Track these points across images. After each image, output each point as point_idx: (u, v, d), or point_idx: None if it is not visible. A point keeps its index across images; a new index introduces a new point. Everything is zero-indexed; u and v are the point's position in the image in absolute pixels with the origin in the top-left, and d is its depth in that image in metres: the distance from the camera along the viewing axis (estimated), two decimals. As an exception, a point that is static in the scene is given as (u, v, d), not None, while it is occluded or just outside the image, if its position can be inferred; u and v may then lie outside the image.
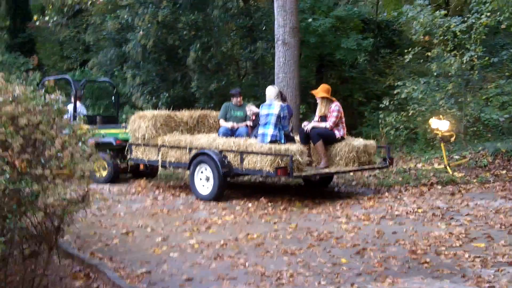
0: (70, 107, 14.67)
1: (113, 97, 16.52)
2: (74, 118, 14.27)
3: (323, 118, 11.75)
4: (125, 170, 14.11)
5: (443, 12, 16.48)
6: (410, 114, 16.87)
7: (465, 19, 15.58)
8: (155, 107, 19.77)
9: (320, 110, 11.89)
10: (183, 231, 8.85)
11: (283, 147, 10.63)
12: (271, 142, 10.82)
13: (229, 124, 12.45)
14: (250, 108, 12.45)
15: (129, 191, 12.67)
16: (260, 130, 11.14)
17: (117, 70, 22.47)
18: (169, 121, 12.62)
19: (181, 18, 19.91)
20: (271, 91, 11.40)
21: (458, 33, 15.46)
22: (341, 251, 7.63)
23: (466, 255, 7.19)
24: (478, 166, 13.97)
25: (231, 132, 12.23)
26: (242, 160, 10.91)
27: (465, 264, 6.86)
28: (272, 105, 11.20)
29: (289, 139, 11.17)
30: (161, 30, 20.04)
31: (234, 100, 12.76)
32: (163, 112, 12.92)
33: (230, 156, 11.15)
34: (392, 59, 23.05)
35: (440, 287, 6.13)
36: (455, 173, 13.08)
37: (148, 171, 14.13)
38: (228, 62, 21.53)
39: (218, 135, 12.18)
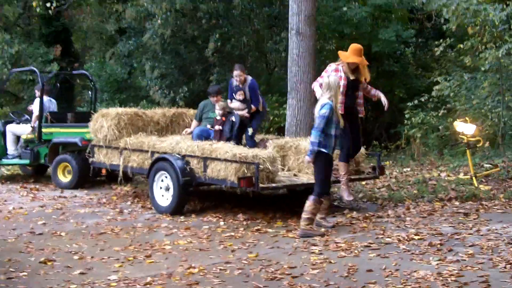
0: (36, 103, 13.33)
1: (89, 91, 15.14)
2: (41, 115, 12.96)
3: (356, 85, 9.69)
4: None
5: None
6: (440, 114, 14.91)
7: (504, 6, 13.45)
8: (172, 102, 18.42)
9: (353, 74, 9.60)
10: (114, 261, 7.33)
11: (250, 153, 9.09)
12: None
13: (188, 130, 11.25)
14: (221, 107, 10.73)
15: (100, 200, 11.26)
16: None
17: (136, 62, 21.18)
18: (136, 120, 11.27)
19: (201, 6, 18.40)
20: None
21: (497, 23, 13.36)
22: (287, 298, 6.02)
23: (444, 312, 5.50)
24: (509, 177, 11.99)
25: (207, 135, 10.68)
26: (205, 167, 9.40)
27: (436, 327, 5.17)
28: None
29: None
30: (180, 19, 18.63)
31: (212, 99, 11.19)
32: (130, 109, 11.56)
33: (193, 163, 9.66)
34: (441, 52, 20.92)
35: None
36: (481, 186, 11.20)
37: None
38: (252, 54, 19.90)
39: (192, 137, 10.69)
